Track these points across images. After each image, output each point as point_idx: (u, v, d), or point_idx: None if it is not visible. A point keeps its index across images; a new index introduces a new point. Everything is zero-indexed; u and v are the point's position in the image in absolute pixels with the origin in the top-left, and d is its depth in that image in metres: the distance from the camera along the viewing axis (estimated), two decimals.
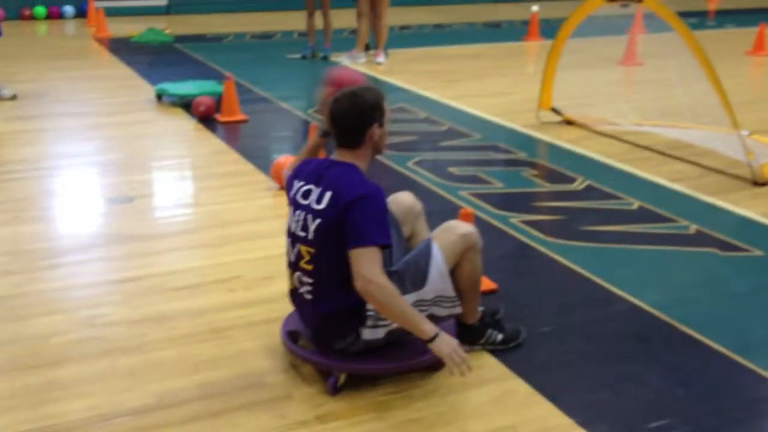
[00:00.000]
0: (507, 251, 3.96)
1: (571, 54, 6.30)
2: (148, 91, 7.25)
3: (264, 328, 3.13)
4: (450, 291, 2.81)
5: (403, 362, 2.78)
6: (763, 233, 4.21)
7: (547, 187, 4.94)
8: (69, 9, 12.52)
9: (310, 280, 2.73)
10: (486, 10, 14.34)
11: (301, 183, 2.78)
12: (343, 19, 10.41)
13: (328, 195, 2.65)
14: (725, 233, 4.14)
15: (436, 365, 2.82)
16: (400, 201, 3.16)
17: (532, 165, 5.35)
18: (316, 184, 2.71)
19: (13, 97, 6.94)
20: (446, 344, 2.57)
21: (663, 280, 3.67)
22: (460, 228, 2.87)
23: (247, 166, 5.20)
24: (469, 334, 3.01)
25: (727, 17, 13.24)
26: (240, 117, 6.31)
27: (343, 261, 2.60)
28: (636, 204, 4.56)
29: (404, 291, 2.68)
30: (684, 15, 5.25)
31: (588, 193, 4.76)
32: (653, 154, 5.55)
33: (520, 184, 4.95)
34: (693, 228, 4.22)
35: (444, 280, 2.79)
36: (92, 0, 12.22)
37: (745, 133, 5.22)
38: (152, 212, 4.43)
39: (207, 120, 6.25)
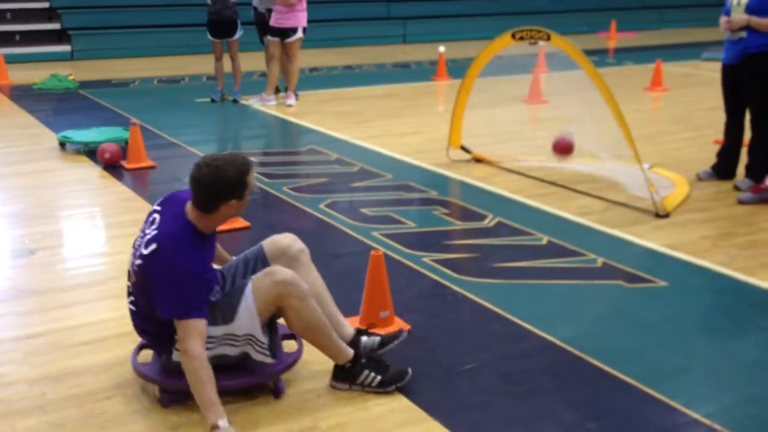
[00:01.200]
0: (420, 291, 3.96)
1: (478, 93, 6.43)
2: (51, 138, 7.05)
3: None
4: (260, 334, 2.91)
5: (220, 382, 2.75)
6: (667, 264, 4.34)
7: (459, 225, 5.00)
8: None
9: (131, 298, 2.94)
10: (395, 51, 14.54)
11: (154, 209, 2.93)
12: (252, 62, 10.39)
13: (152, 246, 2.77)
14: (631, 265, 4.25)
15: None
16: (275, 243, 3.25)
17: (444, 203, 5.41)
18: (151, 224, 2.86)
19: None
20: None
21: (573, 314, 3.73)
22: (277, 275, 2.94)
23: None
24: (341, 375, 3.07)
25: (625, 54, 13.77)
26: (147, 163, 6.20)
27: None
28: (545, 239, 4.65)
29: (214, 322, 2.86)
30: (587, 53, 5.42)
31: (498, 229, 4.83)
32: (559, 189, 5.68)
33: (432, 222, 4.99)
34: (600, 261, 4.32)
35: (253, 321, 2.90)
36: None
37: (646, 166, 5.41)
38: (56, 264, 4.28)
39: (113, 167, 6.10)
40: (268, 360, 2.95)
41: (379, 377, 3.05)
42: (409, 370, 3.09)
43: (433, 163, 6.33)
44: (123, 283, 3.91)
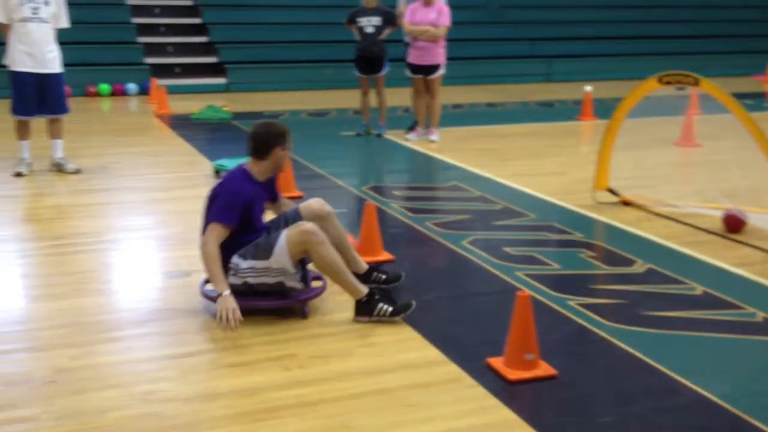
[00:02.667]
0: (565, 335, 3.87)
1: (626, 134, 6.29)
2: (206, 166, 7.40)
3: (318, 408, 3.09)
4: (291, 267, 3.87)
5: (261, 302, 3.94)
6: None
7: (606, 269, 4.87)
8: (132, 86, 12.94)
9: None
10: (539, 89, 14.45)
11: None
12: (397, 97, 10.56)
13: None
14: None
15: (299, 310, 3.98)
16: (309, 206, 4.24)
17: (589, 246, 5.28)
18: None
19: (77, 172, 7.14)
20: (224, 303, 3.70)
21: (730, 370, 3.54)
22: (303, 226, 3.91)
23: None
24: (360, 309, 3.93)
25: None
26: (295, 193, 6.38)
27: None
28: (699, 289, 4.45)
29: (256, 257, 3.89)
30: (740, 96, 5.21)
31: (648, 276, 4.67)
32: (714, 237, 5.44)
33: (578, 265, 4.88)
34: (760, 315, 4.09)
35: (285, 258, 3.86)
36: (154, 78, 12.64)
37: None
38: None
39: None
40: (299, 286, 3.94)
41: (390, 308, 3.92)
42: (413, 303, 3.97)
43: (578, 205, 6.21)
44: (272, 310, 4.05)
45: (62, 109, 7.23)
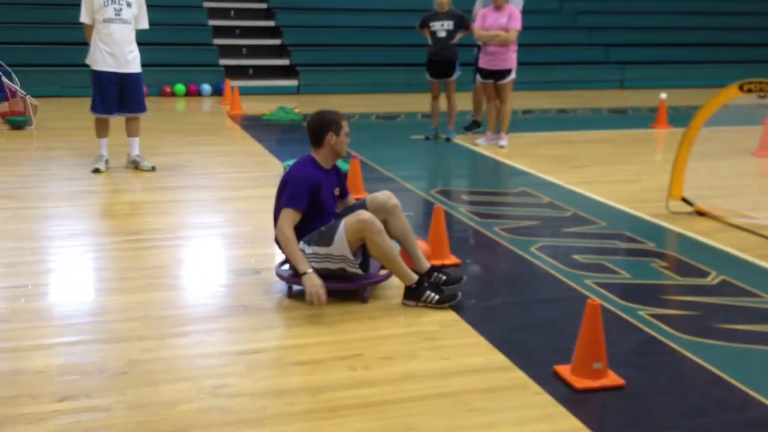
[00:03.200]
0: (635, 345, 3.81)
1: (702, 143, 6.15)
2: (277, 167, 7.50)
3: (382, 409, 3.10)
4: (350, 255, 4.10)
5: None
6: None
7: (678, 280, 4.76)
8: (206, 87, 13.21)
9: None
10: (612, 96, 14.23)
11: None
12: (467, 101, 10.53)
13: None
14: None
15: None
16: (375, 198, 4.39)
17: (661, 256, 5.18)
18: None
19: (152, 169, 7.32)
20: (310, 281, 3.97)
21: None
22: (360, 215, 4.10)
23: None
24: (409, 294, 4.16)
25: None
26: (363, 195, 6.41)
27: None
28: None
29: (320, 244, 4.14)
30: None
31: (722, 288, 4.55)
32: None
33: (649, 275, 4.79)
34: None
35: (344, 245, 4.08)
36: (228, 79, 12.87)
37: None
38: (276, 286, 4.51)
39: None
40: (359, 272, 4.17)
41: (437, 296, 4.12)
42: (459, 294, 4.16)
43: (650, 214, 6.09)
44: (339, 310, 4.09)
45: (140, 108, 7.43)
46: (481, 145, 8.97)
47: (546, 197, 6.62)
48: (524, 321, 4.07)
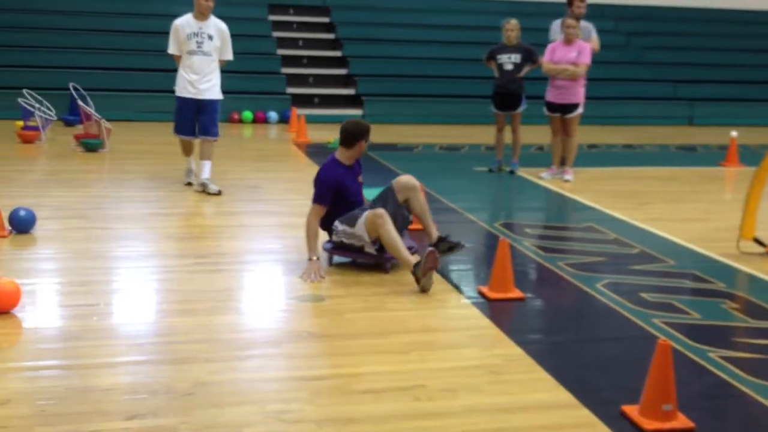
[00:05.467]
0: (705, 388, 3.71)
1: None
2: None
3: None
4: (367, 239, 5.15)
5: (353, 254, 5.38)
6: None
7: (749, 321, 4.64)
8: (273, 115, 13.44)
9: None
10: (680, 132, 14.02)
11: None
12: (531, 135, 10.49)
13: None
14: None
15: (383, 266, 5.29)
16: (400, 180, 5.48)
17: (732, 297, 5.06)
18: None
19: (219, 193, 7.45)
20: (311, 265, 5.10)
21: None
22: (376, 211, 5.08)
23: (433, 275, 5.23)
24: (416, 276, 4.91)
25: None
26: (434, 227, 6.40)
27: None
28: None
29: (348, 224, 5.22)
30: None
31: None
32: None
33: (720, 316, 4.68)
34: None
35: (362, 231, 5.15)
36: (294, 108, 13.07)
37: None
38: (340, 313, 4.53)
39: None
40: (375, 254, 5.21)
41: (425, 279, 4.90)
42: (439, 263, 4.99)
43: (720, 253, 5.95)
44: (403, 339, 4.09)
45: (211, 132, 7.72)
46: (545, 178, 8.91)
47: (612, 233, 6.54)
48: (590, 358, 4.01)
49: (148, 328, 4.24)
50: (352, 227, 5.19)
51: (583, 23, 9.13)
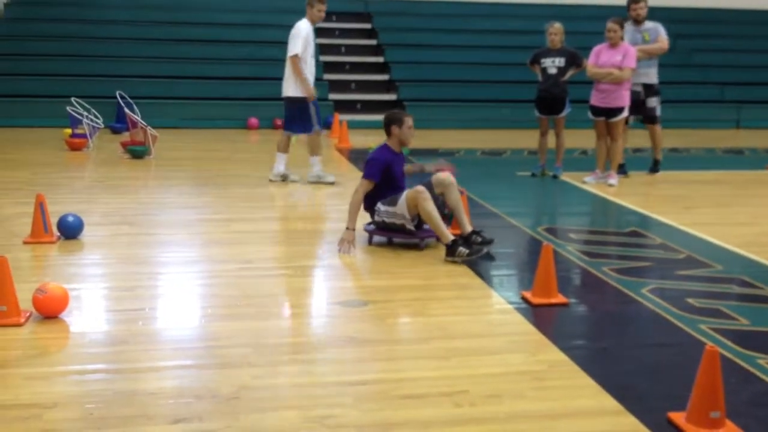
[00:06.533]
0: (754, 395, 3.64)
1: None
2: None
3: None
4: (407, 215, 5.72)
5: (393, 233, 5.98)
6: None
7: None
8: None
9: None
10: (727, 135, 13.79)
11: None
12: (575, 139, 10.40)
13: None
14: None
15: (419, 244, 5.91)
16: (437, 176, 6.00)
17: None
18: None
19: (332, 183, 8.35)
20: (347, 235, 5.76)
21: None
22: (416, 188, 5.66)
23: (476, 281, 5.23)
24: (448, 251, 5.54)
25: None
26: (458, 230, 6.39)
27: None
28: None
29: (388, 203, 5.82)
30: None
31: None
32: None
33: None
34: None
35: (404, 208, 5.72)
36: (336, 113, 13.13)
37: None
38: (383, 318, 4.54)
39: None
40: (414, 230, 5.78)
41: (467, 251, 5.49)
42: (485, 249, 5.68)
43: None
44: (446, 345, 4.08)
45: (293, 128, 8.55)
46: (589, 183, 8.83)
47: (658, 238, 6.45)
48: (635, 365, 3.95)
49: (192, 332, 4.29)
50: (394, 206, 5.76)
51: (650, 24, 9.31)
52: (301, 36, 8.23)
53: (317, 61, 14.67)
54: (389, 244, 5.97)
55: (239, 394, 3.49)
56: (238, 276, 5.23)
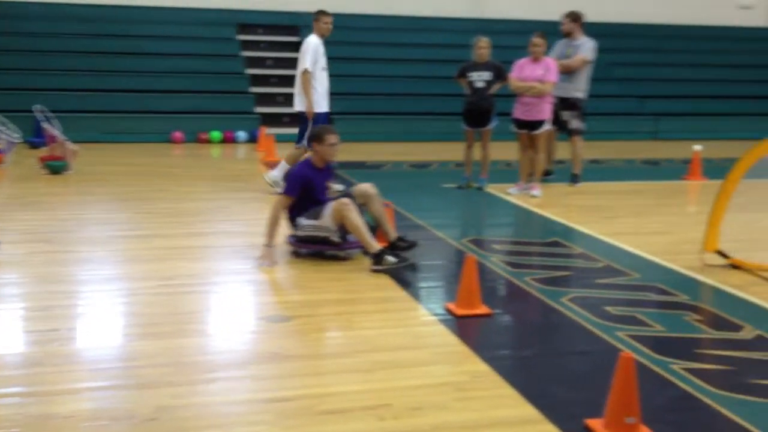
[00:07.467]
0: (668, 401, 3.74)
1: (736, 195, 6.08)
2: None
3: None
4: (333, 227, 5.80)
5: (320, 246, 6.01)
6: None
7: (712, 333, 4.69)
8: (242, 134, 13.40)
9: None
10: (645, 147, 14.18)
11: None
12: (500, 151, 10.54)
13: None
14: None
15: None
16: (359, 187, 6.18)
17: (695, 309, 5.11)
18: None
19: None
20: (265, 251, 5.79)
21: None
22: (342, 200, 5.78)
23: (400, 293, 5.25)
24: (374, 260, 5.65)
25: None
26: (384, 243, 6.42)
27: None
28: None
29: (313, 218, 5.88)
30: None
31: (757, 343, 4.47)
32: None
33: (683, 328, 4.72)
34: None
35: (329, 220, 5.79)
36: (263, 127, 13.04)
37: None
38: (306, 333, 4.52)
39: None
40: (339, 241, 5.86)
41: (394, 259, 5.62)
42: (409, 259, 5.76)
43: (684, 266, 6.02)
44: (370, 358, 4.08)
45: (297, 140, 8.66)
46: (513, 194, 8.96)
47: (578, 248, 6.59)
48: (555, 373, 4.02)
49: (111, 352, 4.19)
50: (318, 219, 5.83)
51: (582, 40, 9.69)
52: (310, 51, 8.43)
53: (243, 73, 14.64)
54: (312, 258, 5.95)
55: (158, 415, 3.42)
56: (158, 293, 5.14)
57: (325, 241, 5.89)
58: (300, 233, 5.95)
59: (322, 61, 8.57)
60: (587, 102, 9.95)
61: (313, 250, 6.00)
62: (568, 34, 9.64)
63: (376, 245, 5.71)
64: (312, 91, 8.44)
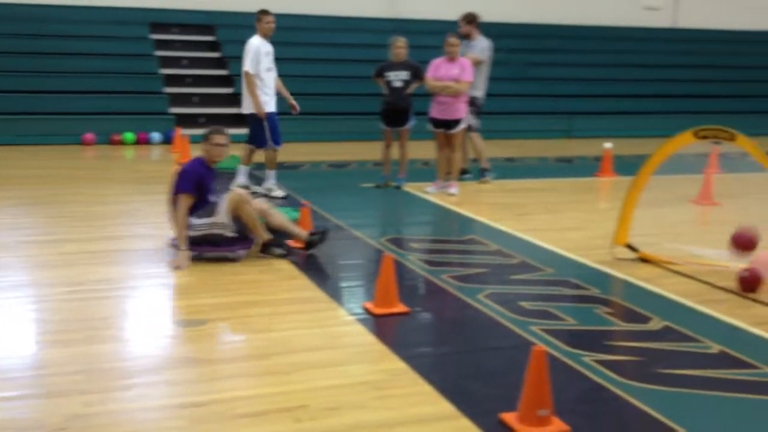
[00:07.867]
0: (580, 392, 3.84)
1: (644, 190, 6.28)
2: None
3: None
4: (228, 221, 5.81)
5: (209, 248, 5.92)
6: None
7: (621, 325, 4.83)
8: (156, 135, 13.14)
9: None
10: (559, 145, 14.50)
11: None
12: (418, 150, 10.63)
13: None
14: None
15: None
16: (231, 194, 6.00)
17: (606, 302, 5.26)
18: None
19: (285, 197, 8.43)
20: (181, 254, 5.71)
21: (746, 431, 3.48)
22: (236, 191, 5.98)
23: (318, 293, 5.24)
24: (263, 249, 5.96)
25: None
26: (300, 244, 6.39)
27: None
28: (715, 348, 4.41)
29: (207, 216, 5.84)
30: None
31: (664, 333, 4.63)
32: (732, 296, 5.39)
33: (593, 321, 4.85)
34: None
35: (223, 216, 5.81)
36: (178, 128, 12.82)
37: None
38: (221, 336, 4.47)
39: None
40: (235, 236, 5.86)
41: (280, 250, 5.98)
42: (285, 252, 6.01)
43: (595, 261, 6.19)
44: (287, 360, 4.06)
45: (251, 141, 8.78)
46: (430, 193, 9.05)
47: (494, 245, 6.69)
48: (471, 369, 4.08)
49: (19, 361, 4.05)
50: (213, 216, 5.82)
51: (478, 41, 9.82)
52: (251, 51, 8.38)
53: (156, 73, 14.36)
54: (228, 260, 5.87)
55: (68, 424, 3.33)
56: (68, 299, 5.00)
57: (216, 240, 5.83)
58: (192, 233, 5.81)
59: (266, 62, 8.50)
60: (486, 101, 10.12)
61: (201, 252, 5.86)
62: (466, 36, 9.78)
63: (267, 236, 5.96)
64: (258, 92, 8.41)
